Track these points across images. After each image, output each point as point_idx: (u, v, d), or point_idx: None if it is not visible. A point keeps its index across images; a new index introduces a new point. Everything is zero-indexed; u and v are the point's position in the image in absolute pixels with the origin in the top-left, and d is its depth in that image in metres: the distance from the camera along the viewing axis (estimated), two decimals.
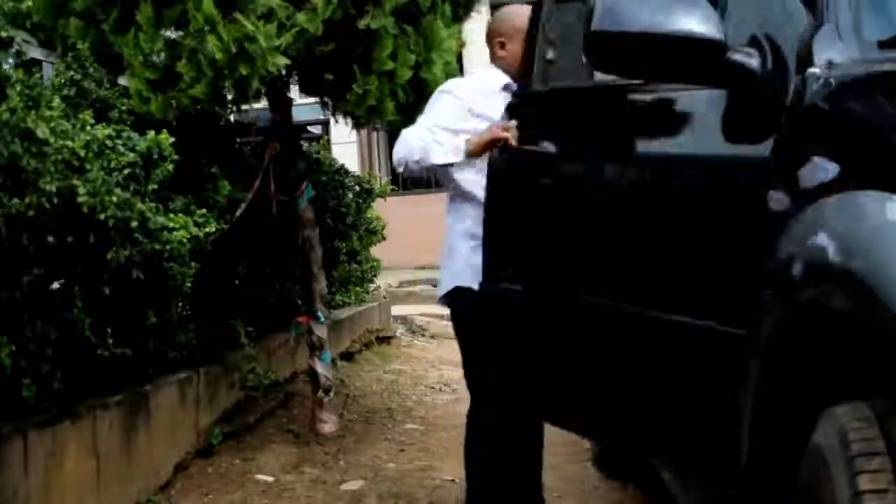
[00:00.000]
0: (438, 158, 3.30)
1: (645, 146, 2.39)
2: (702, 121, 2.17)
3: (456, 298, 3.50)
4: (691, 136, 2.22)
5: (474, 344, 3.42)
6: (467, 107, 3.46)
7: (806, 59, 1.87)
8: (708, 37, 1.94)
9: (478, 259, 3.21)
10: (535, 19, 3.15)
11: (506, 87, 3.47)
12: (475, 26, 5.60)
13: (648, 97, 2.34)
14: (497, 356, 3.02)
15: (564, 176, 2.69)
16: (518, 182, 2.95)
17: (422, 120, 3.51)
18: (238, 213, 5.03)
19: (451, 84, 3.69)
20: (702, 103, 2.14)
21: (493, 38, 3.62)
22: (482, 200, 3.24)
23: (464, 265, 3.44)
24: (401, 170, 3.40)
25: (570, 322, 2.50)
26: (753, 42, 2.00)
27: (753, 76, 1.96)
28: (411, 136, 3.39)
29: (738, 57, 1.97)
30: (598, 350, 2.41)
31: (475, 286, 3.28)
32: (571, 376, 2.57)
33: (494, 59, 3.61)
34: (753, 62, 1.96)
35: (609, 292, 2.32)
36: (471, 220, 3.43)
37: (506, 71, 3.52)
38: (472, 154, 3.24)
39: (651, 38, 1.97)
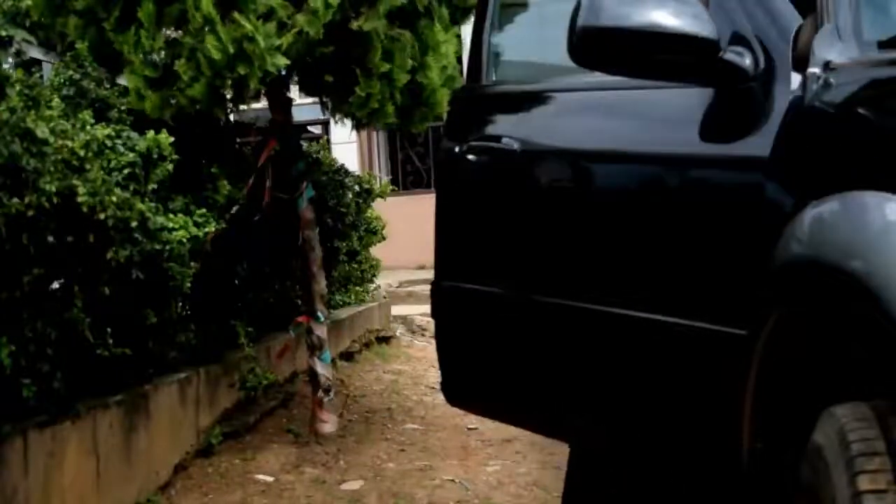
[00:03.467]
0: None
1: (638, 145, 2.34)
2: (693, 119, 2.14)
3: None
4: (682, 135, 2.14)
5: None
6: None
7: (806, 59, 1.87)
8: (702, 35, 1.92)
9: None
10: None
11: None
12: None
13: (635, 95, 2.31)
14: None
15: (562, 176, 2.57)
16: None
17: None
18: (233, 210, 5.03)
19: None
20: (691, 101, 2.11)
21: None
22: None
23: None
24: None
25: (568, 323, 2.47)
26: (741, 41, 1.98)
27: (746, 76, 1.95)
28: None
29: (730, 56, 1.96)
30: (596, 352, 2.38)
31: None
32: (565, 375, 2.53)
33: None
34: (746, 62, 1.96)
35: (610, 296, 2.29)
36: None
37: None
38: None
39: (641, 36, 1.93)
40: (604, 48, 2.00)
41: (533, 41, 3.17)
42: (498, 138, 2.71)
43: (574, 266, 2.42)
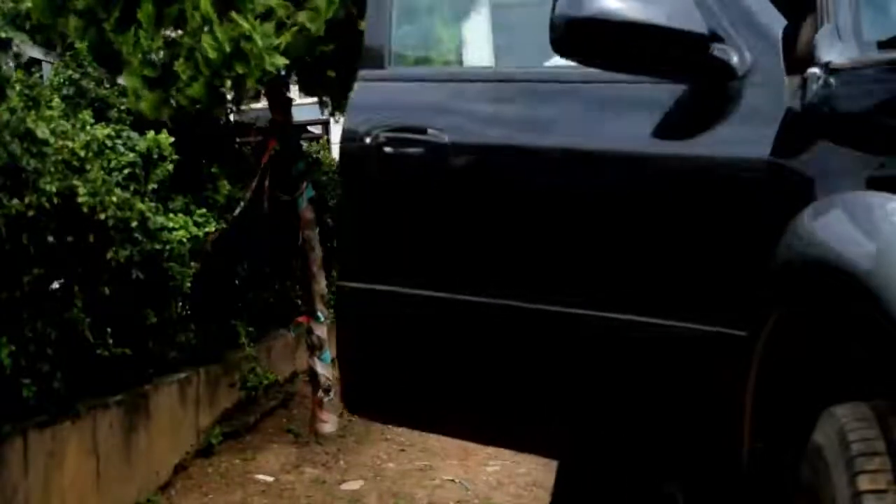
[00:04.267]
0: None
1: (628, 143, 2.25)
2: (674, 117, 2.09)
3: None
4: (667, 133, 2.09)
5: None
6: None
7: (806, 59, 1.86)
8: (693, 31, 1.89)
9: None
10: None
11: None
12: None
13: (619, 88, 2.17)
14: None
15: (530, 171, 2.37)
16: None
17: None
18: (237, 212, 5.03)
19: None
20: (663, 96, 2.06)
21: None
22: None
23: None
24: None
25: (538, 330, 2.35)
26: (722, 39, 1.96)
27: (734, 73, 1.94)
28: None
29: (719, 53, 1.93)
30: (572, 358, 2.29)
31: None
32: (527, 384, 2.33)
33: None
34: (734, 59, 1.94)
35: (602, 300, 2.22)
36: None
37: None
38: None
39: (626, 29, 1.87)
40: (591, 41, 1.93)
41: (461, 26, 3.03)
42: (422, 129, 2.48)
43: (547, 268, 2.27)
